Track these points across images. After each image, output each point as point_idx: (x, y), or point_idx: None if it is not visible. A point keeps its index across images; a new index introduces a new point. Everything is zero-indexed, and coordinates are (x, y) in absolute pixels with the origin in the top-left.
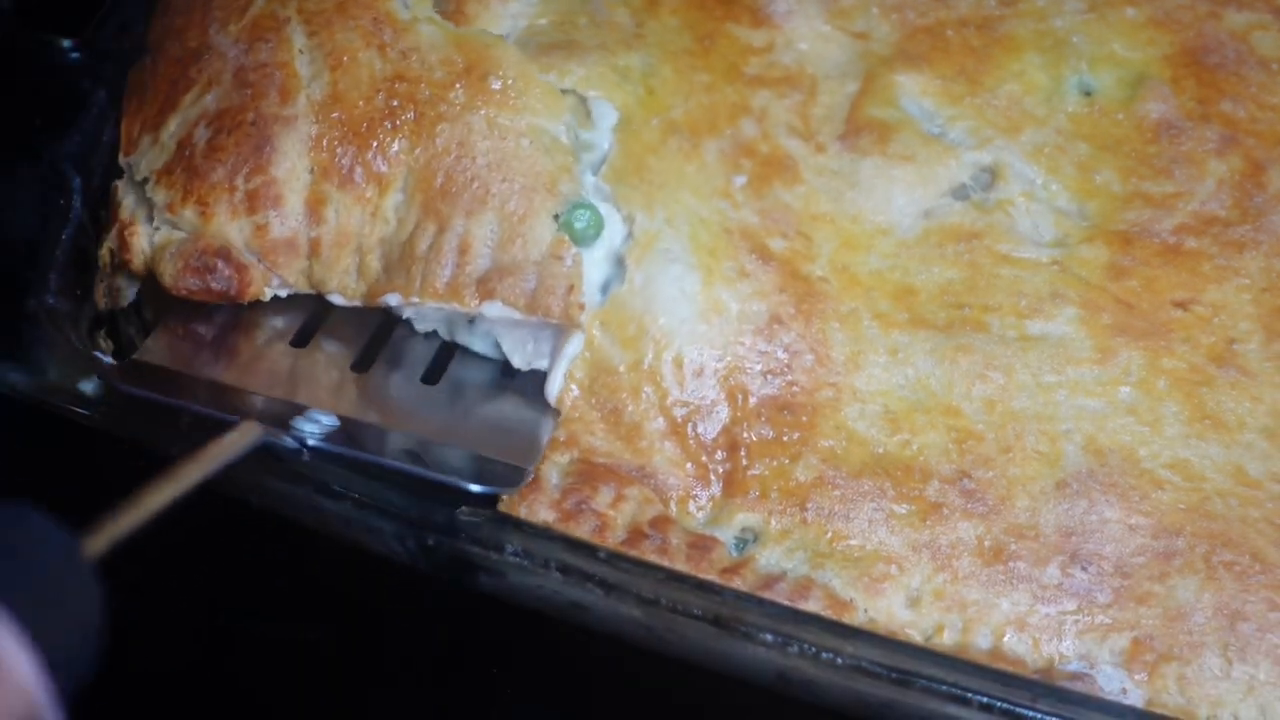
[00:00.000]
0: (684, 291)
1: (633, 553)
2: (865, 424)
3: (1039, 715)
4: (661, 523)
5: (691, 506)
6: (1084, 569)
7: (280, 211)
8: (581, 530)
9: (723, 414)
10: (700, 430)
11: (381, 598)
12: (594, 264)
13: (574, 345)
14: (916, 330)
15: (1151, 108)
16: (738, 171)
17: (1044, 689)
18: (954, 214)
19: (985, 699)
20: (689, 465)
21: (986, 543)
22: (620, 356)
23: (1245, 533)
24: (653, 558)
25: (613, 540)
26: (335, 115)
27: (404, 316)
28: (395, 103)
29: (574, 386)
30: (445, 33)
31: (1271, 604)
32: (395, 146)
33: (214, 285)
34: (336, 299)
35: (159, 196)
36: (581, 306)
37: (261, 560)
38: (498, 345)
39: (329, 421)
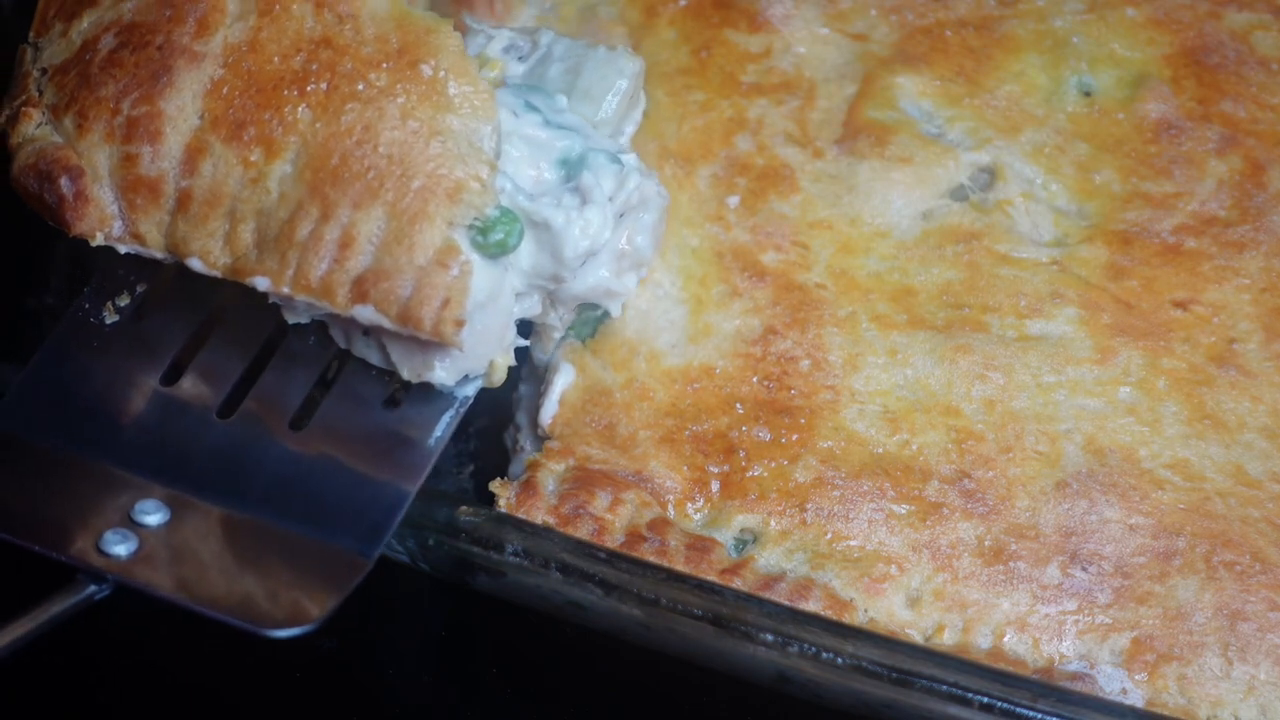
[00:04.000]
0: (672, 322)
1: (631, 554)
2: (864, 425)
3: (1039, 715)
4: (659, 525)
5: (689, 509)
6: (1084, 569)
7: (155, 148)
8: (579, 534)
9: (719, 421)
10: (696, 437)
11: (381, 597)
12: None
13: (564, 377)
14: (916, 331)
15: (1151, 108)
16: (731, 192)
17: (1044, 689)
18: (953, 215)
19: (985, 699)
20: (685, 469)
21: (986, 543)
22: (613, 378)
23: (1245, 533)
24: (651, 560)
25: (611, 543)
26: (246, 66)
27: (270, 301)
28: (314, 67)
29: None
30: (394, 7)
31: (1272, 604)
32: (296, 114)
33: (46, 197)
34: (195, 264)
35: (49, 94)
36: (459, 323)
37: None
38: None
39: (155, 521)
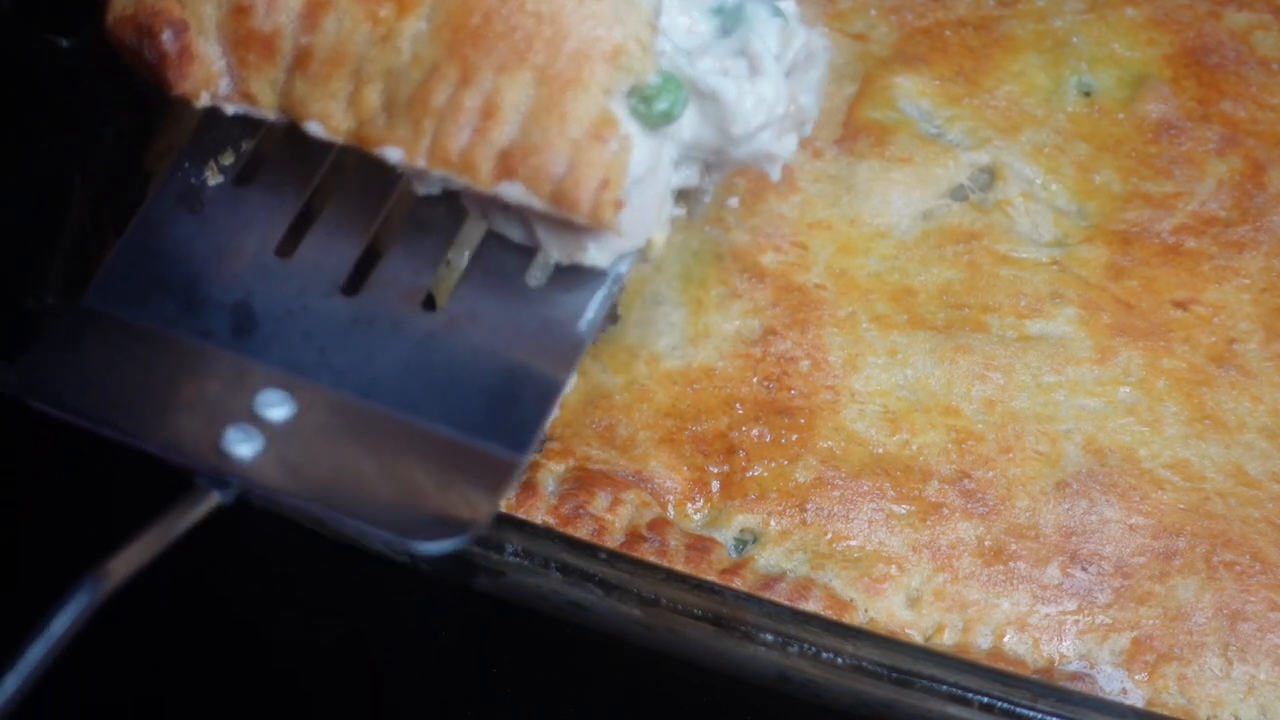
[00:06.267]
0: (672, 325)
1: (631, 554)
2: (864, 425)
3: (1039, 715)
4: (660, 525)
5: (690, 509)
6: (1084, 569)
7: (271, 0)
8: (579, 534)
9: (719, 421)
10: (696, 437)
11: (382, 598)
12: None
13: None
14: (915, 331)
15: (1151, 108)
16: (730, 193)
17: (1044, 689)
18: (953, 215)
19: (985, 699)
20: (686, 469)
21: (987, 543)
22: (612, 380)
23: (1245, 533)
24: (652, 560)
25: (611, 543)
26: None
27: (399, 173)
28: None
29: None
30: None
31: (1272, 604)
32: None
33: (145, 53)
34: (314, 128)
35: None
36: (618, 204)
37: (262, 561)
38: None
39: (281, 415)
